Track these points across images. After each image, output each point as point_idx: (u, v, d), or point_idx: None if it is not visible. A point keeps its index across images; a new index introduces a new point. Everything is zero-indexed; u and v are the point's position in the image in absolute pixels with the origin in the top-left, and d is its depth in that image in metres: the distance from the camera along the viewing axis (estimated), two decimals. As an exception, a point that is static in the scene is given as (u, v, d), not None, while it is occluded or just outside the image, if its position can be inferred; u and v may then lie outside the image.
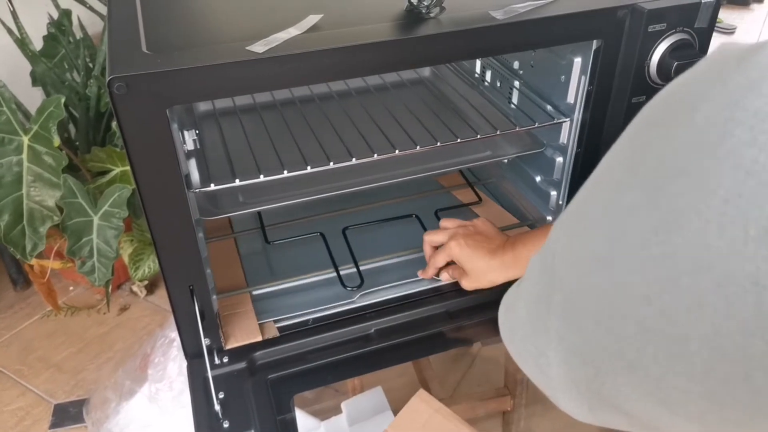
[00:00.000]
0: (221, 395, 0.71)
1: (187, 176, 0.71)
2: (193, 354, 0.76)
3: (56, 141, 1.21)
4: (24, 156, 1.22)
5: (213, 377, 0.72)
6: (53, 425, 1.30)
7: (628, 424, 0.27)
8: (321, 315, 0.83)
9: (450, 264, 0.86)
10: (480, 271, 0.80)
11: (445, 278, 0.86)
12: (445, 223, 0.88)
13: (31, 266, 1.41)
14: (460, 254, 0.81)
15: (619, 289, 0.24)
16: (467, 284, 0.83)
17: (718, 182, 0.20)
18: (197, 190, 0.74)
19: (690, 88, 0.24)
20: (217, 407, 0.70)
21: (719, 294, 0.20)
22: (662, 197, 0.22)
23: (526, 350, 0.31)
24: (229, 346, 0.78)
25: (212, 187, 0.74)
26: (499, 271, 0.79)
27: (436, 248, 0.87)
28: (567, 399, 0.29)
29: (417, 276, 0.88)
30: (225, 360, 0.76)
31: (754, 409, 0.21)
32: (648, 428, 0.26)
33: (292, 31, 0.64)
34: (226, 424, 0.69)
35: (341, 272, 0.89)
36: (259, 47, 0.60)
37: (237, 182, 0.75)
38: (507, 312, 0.34)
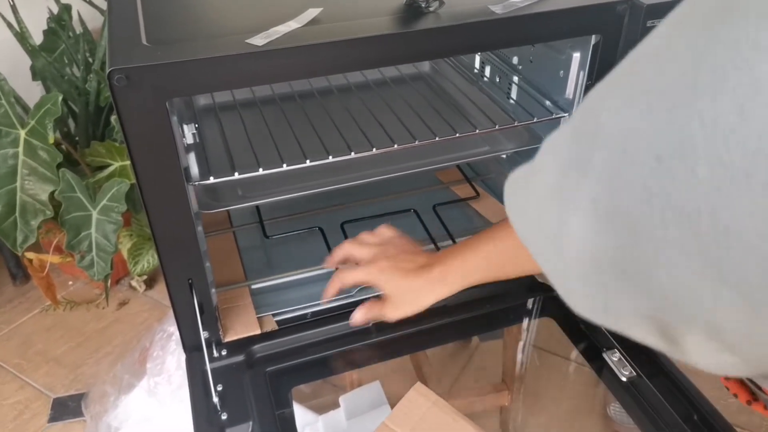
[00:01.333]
0: (219, 387, 0.72)
1: (187, 169, 0.71)
2: (191, 347, 0.76)
3: (51, 138, 1.21)
4: (20, 149, 1.22)
5: (211, 370, 0.72)
6: (52, 419, 1.31)
7: (644, 312, 0.25)
8: (319, 309, 0.84)
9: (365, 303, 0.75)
10: (405, 296, 0.71)
11: (357, 319, 0.74)
12: (363, 236, 0.78)
13: (30, 260, 1.42)
14: (379, 279, 0.71)
15: (692, 122, 0.21)
16: (392, 313, 0.72)
17: None
18: (197, 183, 0.74)
19: None
20: (216, 399, 0.70)
21: None
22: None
23: (540, 226, 0.29)
24: (227, 340, 0.79)
25: (211, 180, 0.74)
26: (427, 290, 0.70)
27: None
28: (578, 285, 0.27)
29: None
30: (223, 353, 0.77)
31: None
32: (667, 313, 0.25)
33: (292, 24, 0.64)
34: (224, 416, 0.69)
35: (339, 266, 0.89)
36: (258, 40, 0.60)
37: (236, 175, 0.75)
38: (517, 190, 0.31)
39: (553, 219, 0.28)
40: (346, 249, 0.76)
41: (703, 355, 0.26)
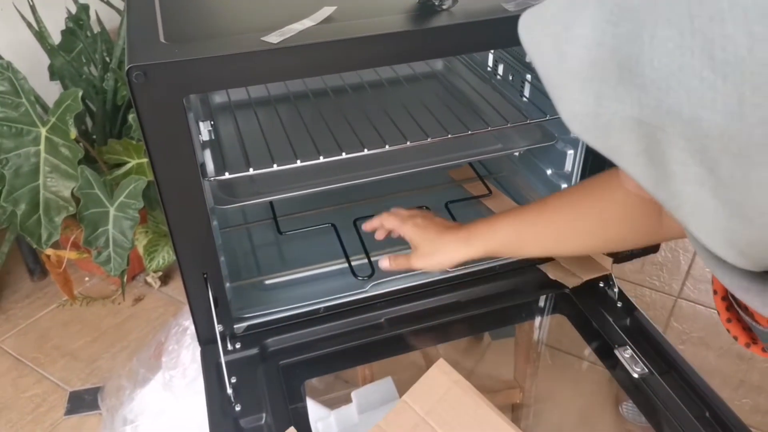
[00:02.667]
0: (233, 380, 0.73)
1: (203, 165, 0.72)
2: (206, 340, 0.78)
3: (73, 133, 1.23)
4: (41, 147, 1.24)
5: (226, 362, 0.73)
6: (68, 412, 1.33)
7: (636, 114, 0.26)
8: (332, 304, 0.85)
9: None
10: (432, 246, 0.77)
11: (384, 265, 0.81)
12: (397, 208, 0.85)
13: (48, 256, 1.44)
14: (412, 231, 0.78)
15: None
16: (417, 261, 0.78)
17: None
18: (212, 178, 0.75)
19: None
20: (230, 391, 0.71)
21: None
22: None
23: (547, 34, 0.30)
24: (241, 333, 0.80)
25: (227, 175, 0.75)
26: (452, 245, 0.76)
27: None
28: (575, 90, 0.28)
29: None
30: (237, 346, 0.78)
31: None
32: (656, 112, 0.25)
33: (307, 23, 0.65)
34: (237, 408, 0.70)
35: (353, 263, 0.90)
36: (273, 38, 0.61)
37: (251, 171, 0.76)
38: (531, 13, 0.32)
39: (558, 26, 0.29)
40: (384, 216, 0.84)
41: (686, 187, 0.26)
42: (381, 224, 0.83)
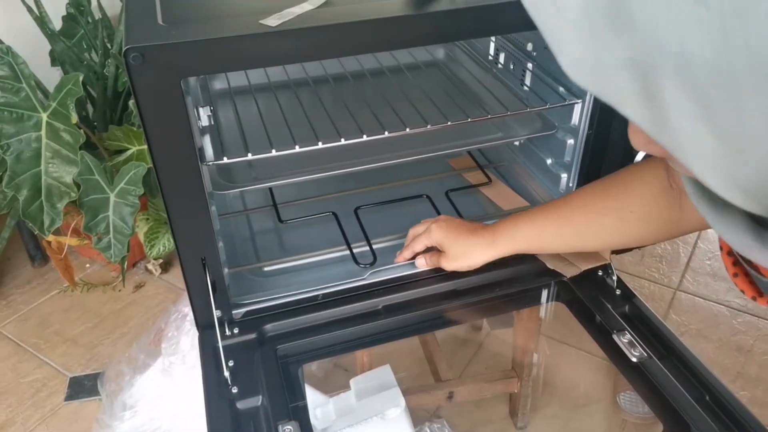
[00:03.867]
0: (231, 363, 0.73)
1: (201, 149, 0.72)
2: (204, 325, 0.78)
3: (74, 118, 1.23)
4: (42, 132, 1.24)
5: (223, 347, 0.74)
6: (68, 397, 1.33)
7: (630, 55, 0.27)
8: (331, 291, 0.85)
9: (429, 251, 0.87)
10: (460, 249, 0.82)
11: (421, 264, 0.86)
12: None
13: (49, 243, 1.44)
14: (440, 235, 0.83)
15: None
16: (447, 263, 0.83)
17: None
18: (211, 163, 0.75)
19: None
20: (227, 374, 0.71)
21: None
22: None
23: None
24: (239, 319, 0.80)
25: (225, 160, 0.75)
26: (480, 248, 0.81)
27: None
28: (572, 39, 0.29)
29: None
30: (235, 331, 0.78)
31: None
32: (648, 53, 0.26)
33: (306, 6, 0.65)
34: (234, 390, 0.70)
35: (354, 250, 0.90)
36: (272, 21, 0.61)
37: (249, 156, 0.76)
38: None
39: None
40: (410, 241, 0.88)
41: (682, 123, 0.26)
42: (412, 251, 0.86)
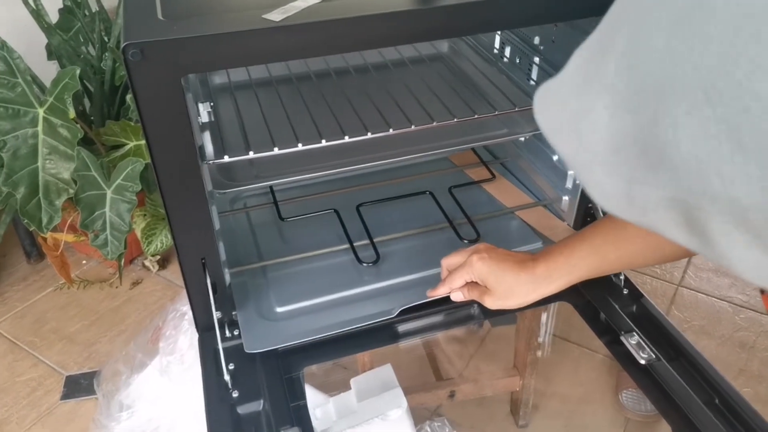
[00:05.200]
0: (231, 366, 0.71)
1: (201, 148, 0.70)
2: (204, 327, 0.76)
3: (71, 113, 1.21)
4: (39, 128, 1.22)
5: (224, 349, 0.72)
6: (65, 396, 1.32)
7: (669, 196, 0.25)
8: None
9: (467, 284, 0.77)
10: (507, 287, 0.71)
11: (458, 298, 0.77)
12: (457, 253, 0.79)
13: (45, 239, 1.42)
14: (484, 270, 0.72)
15: None
16: (492, 302, 0.73)
17: None
18: (211, 161, 0.73)
19: None
20: (227, 378, 0.70)
21: None
22: None
23: (563, 118, 0.29)
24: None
25: (226, 159, 0.74)
26: (530, 285, 0.71)
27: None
28: (602, 174, 0.27)
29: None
30: (236, 333, 0.76)
31: None
32: (690, 194, 0.25)
33: (310, 0, 0.63)
34: (235, 394, 0.69)
35: (356, 248, 0.89)
36: (276, 15, 0.59)
37: (251, 154, 0.74)
38: (545, 90, 0.31)
39: (575, 106, 0.28)
40: (445, 276, 0.78)
41: (734, 251, 0.25)
42: (449, 287, 0.77)
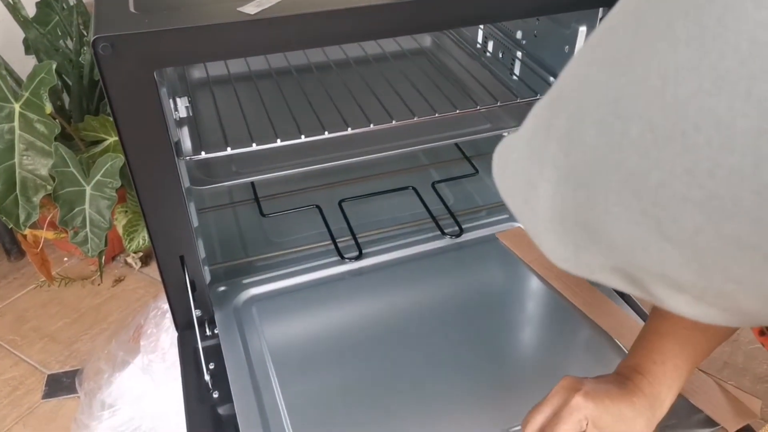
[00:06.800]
0: (211, 366, 0.70)
1: (178, 143, 0.69)
2: (183, 325, 0.75)
3: (48, 108, 1.18)
4: (15, 124, 1.20)
5: (203, 348, 0.71)
6: (46, 395, 1.30)
7: (611, 264, 0.27)
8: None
9: None
10: (627, 420, 0.57)
11: None
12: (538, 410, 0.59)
13: (25, 236, 1.40)
14: (594, 410, 0.56)
15: (630, 86, 0.23)
16: None
17: None
18: (188, 158, 0.72)
19: None
20: (207, 378, 0.69)
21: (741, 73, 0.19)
22: None
23: (516, 185, 0.30)
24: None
25: (203, 155, 0.72)
26: (648, 412, 0.58)
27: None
28: (552, 240, 0.29)
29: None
30: (216, 331, 0.75)
31: (756, 215, 0.20)
32: (628, 266, 0.26)
33: (286, -7, 0.61)
34: (215, 395, 0.68)
35: (339, 244, 0.88)
36: (250, 8, 0.58)
37: (229, 150, 0.73)
38: (503, 150, 0.32)
39: (524, 178, 0.29)
40: (533, 421, 0.58)
41: (681, 306, 0.27)
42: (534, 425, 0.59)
